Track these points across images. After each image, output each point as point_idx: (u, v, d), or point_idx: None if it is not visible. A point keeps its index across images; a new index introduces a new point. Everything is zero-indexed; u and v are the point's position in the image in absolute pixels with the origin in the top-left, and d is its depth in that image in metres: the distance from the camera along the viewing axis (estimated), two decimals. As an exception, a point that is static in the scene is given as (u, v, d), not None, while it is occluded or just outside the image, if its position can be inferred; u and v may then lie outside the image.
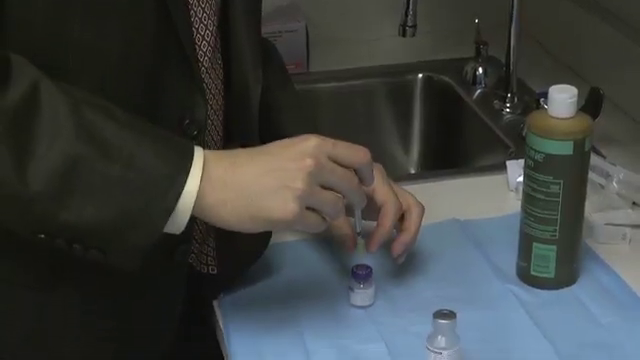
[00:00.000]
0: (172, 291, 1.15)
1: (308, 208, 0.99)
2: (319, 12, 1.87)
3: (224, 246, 1.18)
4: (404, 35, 1.58)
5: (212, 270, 1.19)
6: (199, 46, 1.06)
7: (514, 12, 1.63)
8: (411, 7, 1.55)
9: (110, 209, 0.94)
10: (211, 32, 1.08)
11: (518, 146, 1.51)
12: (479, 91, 1.74)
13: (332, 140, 1.00)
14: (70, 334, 1.09)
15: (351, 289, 1.19)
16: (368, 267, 1.19)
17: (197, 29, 1.05)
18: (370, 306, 1.19)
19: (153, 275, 1.09)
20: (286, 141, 1.00)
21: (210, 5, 1.06)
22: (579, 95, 1.19)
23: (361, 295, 1.18)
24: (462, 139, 1.74)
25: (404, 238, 1.18)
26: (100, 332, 1.11)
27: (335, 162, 1.00)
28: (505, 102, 1.67)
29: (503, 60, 1.68)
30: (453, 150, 1.75)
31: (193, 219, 0.99)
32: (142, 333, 1.14)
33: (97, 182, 0.93)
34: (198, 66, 1.06)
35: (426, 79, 1.82)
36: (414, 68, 1.82)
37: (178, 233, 0.98)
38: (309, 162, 0.97)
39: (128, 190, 0.94)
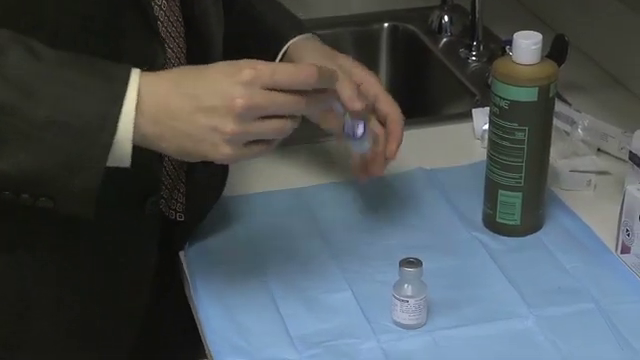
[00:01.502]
0: (146, 242, 1.15)
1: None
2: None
3: (191, 190, 1.18)
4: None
5: (180, 217, 1.19)
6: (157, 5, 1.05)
7: (479, -41, 1.62)
8: (376, -45, 1.54)
9: (45, 154, 0.92)
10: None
11: (484, 94, 1.51)
12: (445, 40, 1.73)
13: (270, 67, 0.95)
14: (48, 294, 1.09)
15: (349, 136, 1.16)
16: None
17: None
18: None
19: (127, 228, 1.09)
20: (221, 71, 0.96)
21: None
22: (544, 42, 1.18)
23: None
24: (428, 88, 1.74)
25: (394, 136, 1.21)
26: (78, 292, 1.10)
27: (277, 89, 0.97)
28: (471, 50, 1.67)
29: (469, 8, 1.68)
30: (420, 99, 1.75)
31: (142, 150, 0.97)
32: (121, 288, 1.13)
33: (25, 128, 0.91)
34: (155, 15, 1.04)
35: (392, 28, 1.81)
36: (379, 17, 1.81)
37: (127, 165, 0.96)
38: (239, 103, 0.93)
39: (60, 133, 0.92)
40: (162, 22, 1.06)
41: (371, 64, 1.81)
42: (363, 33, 1.81)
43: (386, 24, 1.81)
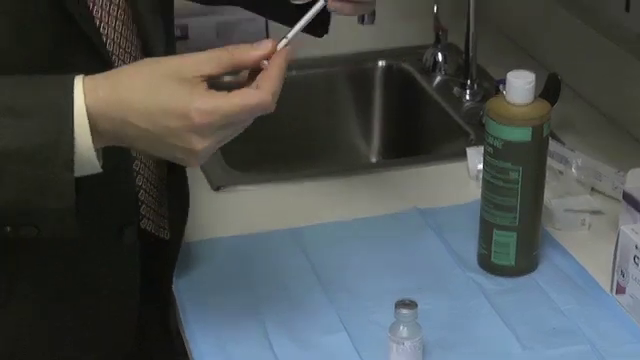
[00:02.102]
0: (128, 273, 1.14)
1: None
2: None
3: (173, 203, 1.19)
4: (362, 23, 1.57)
5: (166, 235, 1.19)
6: (106, 35, 1.04)
7: (472, -2, 1.63)
8: (369, -8, 1.55)
9: (11, 185, 0.92)
10: (119, 20, 1.06)
11: (478, 133, 1.51)
12: (439, 78, 1.74)
13: (222, 114, 0.92)
14: (32, 331, 1.08)
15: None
16: None
17: (100, 19, 1.03)
18: None
19: (106, 259, 1.09)
20: (159, 106, 0.92)
21: None
22: (538, 81, 1.19)
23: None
24: (423, 127, 1.74)
25: None
26: (62, 326, 1.10)
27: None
28: (465, 89, 1.67)
29: (462, 47, 1.68)
30: (414, 138, 1.75)
31: (113, 182, 0.98)
32: (106, 320, 1.13)
33: None
34: (108, 53, 1.04)
35: (386, 67, 1.81)
36: (374, 56, 1.82)
37: (99, 170, 0.95)
38: (195, 144, 0.93)
39: (18, 160, 0.91)
40: (116, 55, 1.06)
41: (365, 103, 1.82)
42: (357, 72, 1.82)
43: (380, 63, 1.81)
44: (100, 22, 1.03)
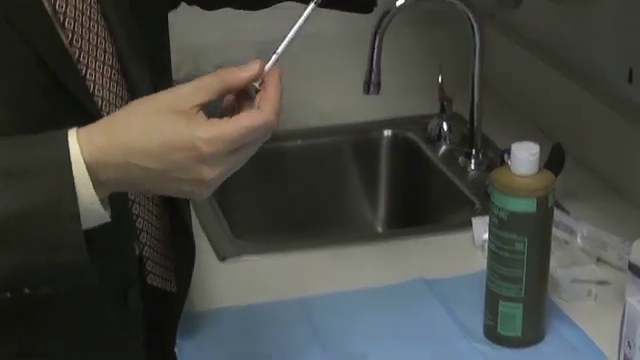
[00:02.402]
0: (132, 334, 1.13)
1: None
2: (285, 69, 1.87)
3: (179, 256, 1.18)
4: (368, 92, 1.58)
5: (173, 288, 1.18)
6: (100, 97, 1.04)
7: (476, 68, 1.64)
8: (375, 65, 1.56)
9: (19, 249, 0.91)
10: (113, 80, 1.06)
11: (484, 203, 1.52)
12: (444, 148, 1.75)
13: (229, 140, 0.91)
14: None
15: None
16: None
17: (94, 81, 1.04)
18: None
19: (111, 324, 1.08)
20: (162, 143, 0.91)
21: (105, 54, 1.05)
22: (542, 150, 1.20)
23: None
24: (428, 196, 1.75)
25: None
26: None
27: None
28: (470, 159, 1.68)
29: (467, 116, 1.70)
30: (419, 207, 1.76)
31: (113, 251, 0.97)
32: None
33: None
34: (101, 115, 1.03)
35: (391, 136, 1.83)
36: (379, 126, 1.83)
37: (108, 220, 0.94)
38: (206, 174, 0.92)
39: (23, 222, 0.91)
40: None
41: (371, 172, 1.83)
42: (363, 141, 1.83)
43: (386, 132, 1.83)
44: (94, 85, 1.03)
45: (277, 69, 0.97)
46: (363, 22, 1.70)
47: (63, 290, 0.96)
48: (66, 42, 1.00)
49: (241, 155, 0.93)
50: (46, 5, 0.99)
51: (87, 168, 0.91)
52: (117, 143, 0.92)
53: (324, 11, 1.88)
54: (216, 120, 0.92)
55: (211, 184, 0.93)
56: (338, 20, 1.90)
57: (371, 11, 1.29)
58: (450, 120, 1.77)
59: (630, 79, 1.53)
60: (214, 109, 0.95)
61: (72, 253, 0.92)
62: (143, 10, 1.12)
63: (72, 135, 0.92)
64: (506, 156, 1.45)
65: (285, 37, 0.98)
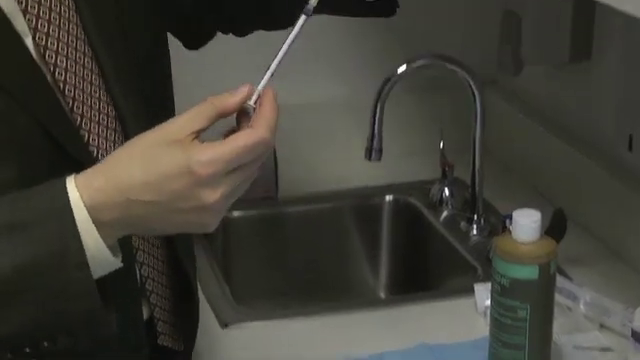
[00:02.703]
0: None
1: None
2: (287, 136, 1.89)
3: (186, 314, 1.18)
4: (370, 159, 1.60)
5: (180, 347, 1.18)
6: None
7: (477, 134, 1.65)
8: (376, 131, 1.58)
9: (32, 303, 0.91)
10: (117, 143, 1.07)
11: (486, 269, 1.52)
12: (446, 213, 1.75)
13: (214, 165, 0.90)
14: None
15: None
16: None
17: (97, 146, 1.04)
18: None
19: None
20: (160, 172, 0.91)
21: (107, 118, 1.06)
22: (544, 216, 1.20)
23: None
24: (430, 262, 1.75)
25: None
26: None
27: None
28: (472, 224, 1.68)
29: (469, 181, 1.70)
30: (421, 273, 1.76)
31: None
32: None
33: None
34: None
35: (393, 202, 1.83)
36: (381, 191, 1.84)
37: (121, 264, 0.94)
38: (207, 198, 0.91)
39: (33, 276, 0.91)
40: None
41: (373, 237, 1.83)
42: (364, 207, 1.83)
43: (387, 198, 1.83)
44: (97, 150, 1.04)
45: (271, 88, 0.97)
46: (364, 88, 1.72)
47: (84, 343, 0.95)
48: (67, 110, 1.01)
49: (240, 175, 0.93)
50: (47, 75, 1.00)
51: (88, 212, 0.91)
52: (115, 182, 0.92)
53: (324, 77, 1.92)
54: (211, 143, 0.92)
55: (215, 209, 0.92)
56: (340, 86, 1.94)
57: (394, 13, 1.22)
58: (452, 185, 1.77)
59: (630, 146, 1.54)
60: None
61: (84, 301, 0.92)
62: (146, 71, 1.13)
63: (70, 181, 0.92)
64: (508, 222, 1.45)
65: (277, 53, 0.98)
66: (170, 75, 1.22)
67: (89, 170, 0.94)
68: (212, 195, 0.91)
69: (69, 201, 0.91)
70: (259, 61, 1.01)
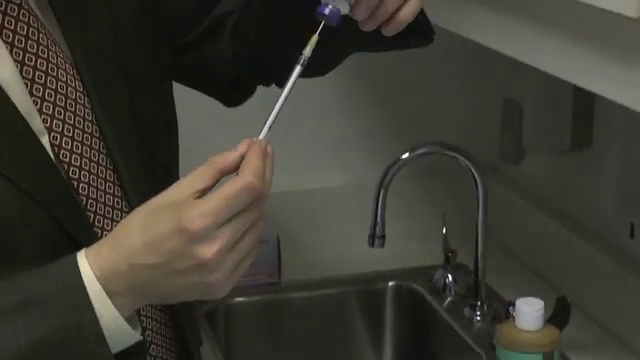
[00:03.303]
0: None
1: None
2: (290, 222, 1.91)
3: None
4: (373, 246, 1.60)
5: None
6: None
7: (480, 220, 1.66)
8: (379, 218, 1.59)
9: None
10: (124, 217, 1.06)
11: (489, 355, 1.51)
12: (449, 299, 1.75)
13: (203, 219, 0.90)
14: None
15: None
16: None
17: (102, 227, 1.04)
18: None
19: None
20: (157, 233, 0.92)
21: (121, 214, 1.06)
22: (547, 303, 1.21)
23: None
24: (434, 347, 1.74)
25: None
26: None
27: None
28: (475, 310, 1.68)
29: (472, 267, 1.71)
30: (426, 359, 1.75)
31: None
32: None
33: None
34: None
35: (396, 287, 1.83)
36: (384, 276, 1.84)
37: (140, 337, 0.95)
38: (203, 254, 0.90)
39: (52, 350, 0.91)
40: None
41: (376, 323, 1.83)
42: (367, 292, 1.83)
43: (390, 283, 1.83)
44: (102, 232, 1.04)
45: (260, 139, 0.96)
46: (366, 175, 1.74)
47: None
48: (82, 207, 1.02)
49: (234, 227, 0.91)
50: (62, 173, 1.01)
51: (99, 283, 0.92)
52: (119, 249, 0.93)
53: (325, 164, 1.94)
54: (201, 199, 0.91)
55: (214, 266, 0.91)
56: (341, 173, 1.95)
57: (431, 41, 1.14)
58: (455, 271, 1.77)
59: (632, 234, 1.55)
60: None
61: None
62: (158, 161, 1.14)
63: (81, 254, 0.93)
64: (511, 309, 1.46)
65: (275, 105, 0.98)
66: (178, 152, 1.22)
67: (100, 241, 0.95)
68: (208, 251, 0.90)
69: (81, 274, 0.92)
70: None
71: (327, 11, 0.99)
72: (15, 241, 0.96)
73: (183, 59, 1.23)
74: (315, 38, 0.98)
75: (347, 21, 1.01)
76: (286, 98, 0.97)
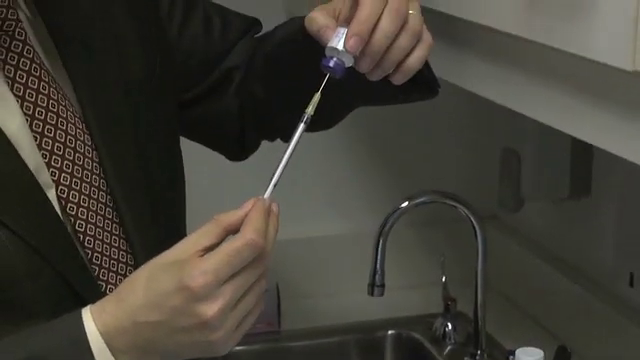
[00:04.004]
0: None
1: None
2: (290, 270, 1.91)
3: None
4: (373, 295, 1.60)
5: None
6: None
7: (479, 268, 1.66)
8: (379, 266, 1.59)
9: None
10: (129, 271, 1.07)
11: (490, 405, 1.51)
12: (449, 347, 1.74)
13: (204, 276, 0.90)
14: None
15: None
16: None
17: (107, 281, 1.04)
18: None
19: None
20: (159, 290, 0.92)
21: (126, 267, 1.06)
22: (547, 352, 1.20)
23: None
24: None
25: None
26: None
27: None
28: (475, 359, 1.67)
29: (471, 315, 1.70)
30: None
31: None
32: None
33: None
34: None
35: (396, 335, 1.83)
36: (384, 325, 1.84)
37: None
38: (204, 312, 0.90)
39: None
40: None
41: (376, 371, 1.82)
42: (367, 341, 1.83)
43: (390, 332, 1.83)
44: (106, 286, 1.04)
45: (265, 198, 0.96)
46: (365, 223, 1.74)
47: None
48: (86, 261, 1.02)
49: (237, 284, 0.91)
50: (67, 226, 1.01)
51: (103, 339, 0.92)
52: (124, 305, 0.93)
53: (324, 213, 1.94)
54: (204, 256, 0.91)
55: (216, 325, 0.91)
56: (340, 221, 1.96)
57: (436, 94, 1.15)
58: (454, 320, 1.77)
59: (631, 283, 1.55)
60: None
61: None
62: (165, 213, 1.14)
63: (86, 310, 0.94)
64: (511, 358, 1.45)
65: (279, 164, 0.98)
66: (185, 206, 1.22)
67: (105, 297, 0.95)
68: (210, 309, 0.90)
69: (85, 330, 0.92)
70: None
71: (332, 63, 0.99)
72: (20, 294, 0.97)
73: (189, 113, 1.23)
74: (317, 96, 0.99)
75: (353, 75, 1.01)
76: (290, 156, 0.98)
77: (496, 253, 1.77)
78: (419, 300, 1.88)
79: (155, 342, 0.93)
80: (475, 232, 1.63)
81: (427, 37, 1.02)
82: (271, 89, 1.21)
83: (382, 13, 0.98)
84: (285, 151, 0.98)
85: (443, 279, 1.76)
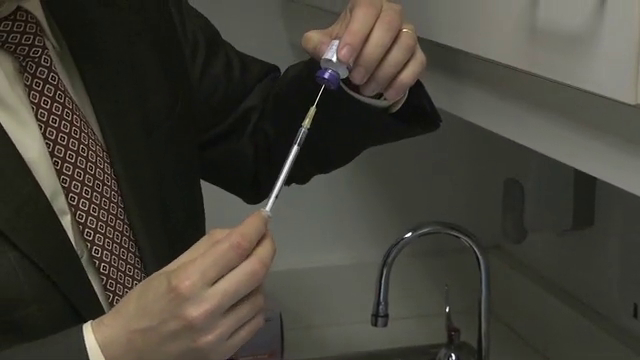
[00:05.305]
0: None
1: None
2: (293, 300, 1.91)
3: None
4: (376, 325, 1.60)
5: None
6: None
7: (483, 298, 1.66)
8: (382, 297, 1.58)
9: None
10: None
11: None
12: (453, 380, 1.74)
13: (190, 276, 0.90)
14: None
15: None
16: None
17: (113, 301, 1.05)
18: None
19: None
20: (149, 296, 0.92)
21: (132, 284, 1.06)
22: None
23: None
24: None
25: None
26: None
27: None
28: (479, 391, 1.67)
29: (475, 346, 1.70)
30: None
31: None
32: None
33: None
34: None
35: (400, 366, 1.83)
36: (387, 355, 1.83)
37: None
38: (194, 318, 0.90)
39: None
40: None
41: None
42: (371, 372, 1.83)
43: (393, 362, 1.83)
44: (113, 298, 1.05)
45: (260, 211, 0.96)
46: (368, 253, 1.74)
47: None
48: (100, 287, 1.03)
49: (224, 287, 0.90)
50: (84, 252, 1.02)
51: (101, 351, 0.92)
52: (118, 316, 0.93)
53: (327, 243, 1.94)
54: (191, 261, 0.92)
55: (203, 328, 0.90)
56: (343, 251, 1.96)
57: (437, 127, 1.16)
58: (458, 350, 1.76)
59: (635, 314, 1.55)
60: None
61: None
62: (184, 241, 1.14)
63: (87, 325, 0.94)
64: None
65: (279, 177, 0.99)
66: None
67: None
68: (195, 310, 0.90)
69: (85, 344, 0.93)
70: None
71: (326, 75, 1.00)
72: (25, 317, 0.97)
73: (207, 154, 1.25)
74: (313, 110, 0.99)
75: (359, 115, 1.03)
76: (288, 171, 0.98)
77: (499, 284, 1.77)
78: (423, 330, 1.88)
79: (149, 352, 0.93)
80: (478, 262, 1.63)
81: (420, 54, 1.04)
82: (280, 127, 1.22)
83: (374, 25, 1.00)
84: (284, 164, 0.98)
85: (447, 309, 1.76)
